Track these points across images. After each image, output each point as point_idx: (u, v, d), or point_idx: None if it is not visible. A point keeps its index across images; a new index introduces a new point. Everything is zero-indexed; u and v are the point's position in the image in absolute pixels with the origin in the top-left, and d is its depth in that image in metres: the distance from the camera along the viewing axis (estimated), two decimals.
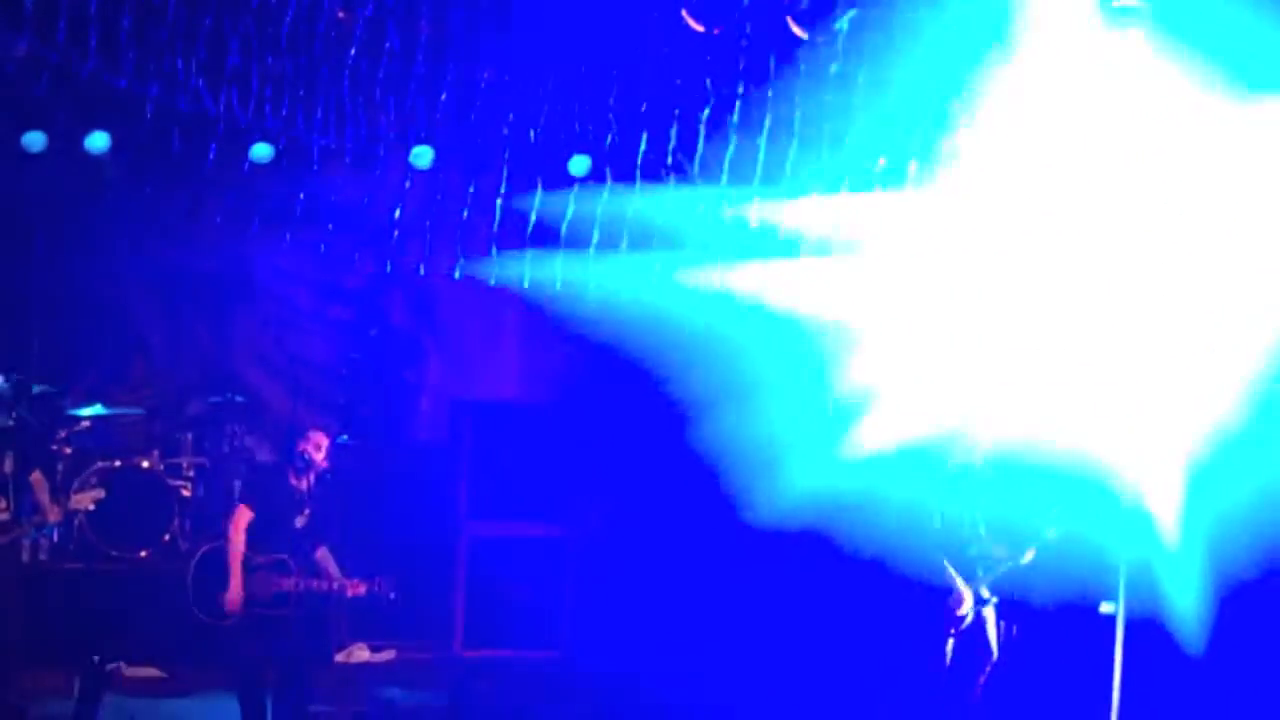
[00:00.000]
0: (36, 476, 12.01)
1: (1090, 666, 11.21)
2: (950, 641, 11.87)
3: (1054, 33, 9.91)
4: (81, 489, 13.51)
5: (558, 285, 13.69)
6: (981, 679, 11.89)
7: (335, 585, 10.97)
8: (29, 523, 11.85)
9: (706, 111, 12.70)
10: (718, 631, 13.15)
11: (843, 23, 11.65)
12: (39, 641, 12.59)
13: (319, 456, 10.95)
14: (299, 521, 10.89)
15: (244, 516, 10.92)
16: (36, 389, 14.06)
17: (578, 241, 13.70)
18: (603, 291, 13.42)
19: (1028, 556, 11.77)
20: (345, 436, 14.51)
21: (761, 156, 12.14)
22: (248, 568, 10.82)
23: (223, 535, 10.99)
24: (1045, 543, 11.78)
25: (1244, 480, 10.28)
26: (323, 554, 11.06)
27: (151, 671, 13.00)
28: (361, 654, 13.83)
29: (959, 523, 11.92)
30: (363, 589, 11.03)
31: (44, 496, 11.81)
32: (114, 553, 13.54)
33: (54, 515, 11.71)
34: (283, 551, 10.84)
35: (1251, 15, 9.25)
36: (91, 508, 12.14)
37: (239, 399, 14.74)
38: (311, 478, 10.95)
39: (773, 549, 13.60)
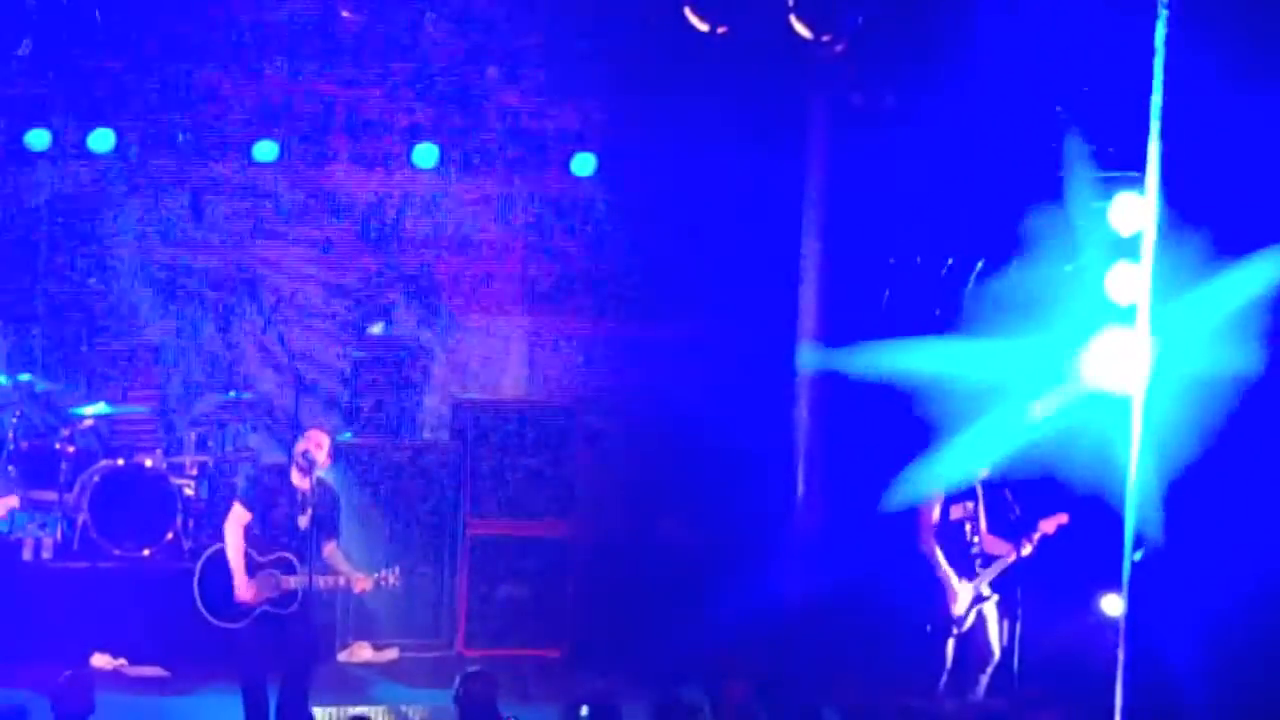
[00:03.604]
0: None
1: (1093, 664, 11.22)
2: (951, 641, 11.87)
3: None
4: (83, 489, 13.56)
5: None
6: (984, 678, 11.89)
7: (342, 581, 10.96)
8: None
9: None
10: (718, 632, 13.13)
11: None
12: (41, 640, 12.61)
13: (321, 456, 10.92)
14: (302, 521, 10.86)
15: (240, 516, 10.90)
16: (40, 387, 14.07)
17: None
18: None
19: (1026, 549, 11.81)
20: (349, 435, 14.49)
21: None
22: (252, 566, 10.81)
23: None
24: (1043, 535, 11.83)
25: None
26: (330, 550, 11.04)
27: (154, 670, 12.99)
28: (364, 653, 13.81)
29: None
30: (369, 584, 11.02)
31: None
32: (116, 551, 13.52)
33: None
34: (287, 550, 10.83)
35: None
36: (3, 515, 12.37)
37: (243, 398, 14.73)
38: (314, 477, 10.92)
39: (772, 551, 13.62)
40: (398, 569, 11.15)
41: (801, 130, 13.53)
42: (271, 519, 10.87)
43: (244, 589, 10.76)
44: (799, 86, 13.44)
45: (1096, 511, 11.30)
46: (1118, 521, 8.86)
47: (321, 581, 10.89)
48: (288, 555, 10.83)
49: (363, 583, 11.00)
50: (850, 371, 13.20)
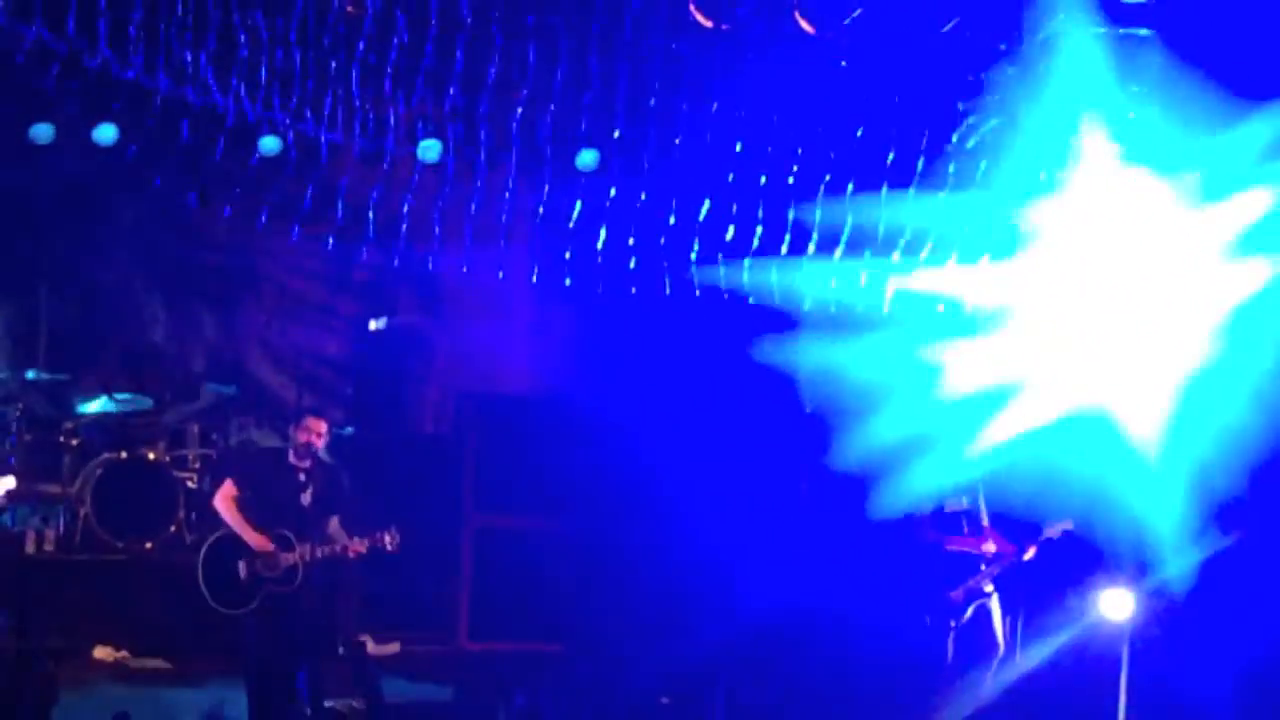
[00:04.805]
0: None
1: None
2: (951, 636, 11.92)
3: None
4: (86, 481, 13.59)
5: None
6: (989, 673, 11.95)
7: (339, 548, 11.03)
8: None
9: None
10: (721, 624, 13.17)
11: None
12: (45, 631, 12.65)
13: (318, 441, 11.03)
14: (304, 499, 10.96)
15: (229, 491, 11.02)
16: (44, 380, 14.10)
17: None
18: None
19: (1030, 553, 11.87)
20: (350, 428, 14.53)
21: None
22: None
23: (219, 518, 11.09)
24: (1047, 540, 11.89)
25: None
26: (334, 526, 11.14)
27: (157, 662, 13.03)
28: (366, 646, 13.83)
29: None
30: (364, 546, 11.09)
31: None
32: (119, 544, 13.56)
33: None
34: (286, 528, 10.91)
35: None
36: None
37: (246, 391, 14.76)
38: (312, 460, 11.03)
39: (773, 543, 13.65)
40: (395, 529, 11.19)
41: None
42: (271, 499, 10.98)
43: (259, 541, 10.84)
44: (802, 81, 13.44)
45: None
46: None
47: (320, 551, 10.98)
48: (285, 533, 10.92)
49: (357, 546, 11.08)
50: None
